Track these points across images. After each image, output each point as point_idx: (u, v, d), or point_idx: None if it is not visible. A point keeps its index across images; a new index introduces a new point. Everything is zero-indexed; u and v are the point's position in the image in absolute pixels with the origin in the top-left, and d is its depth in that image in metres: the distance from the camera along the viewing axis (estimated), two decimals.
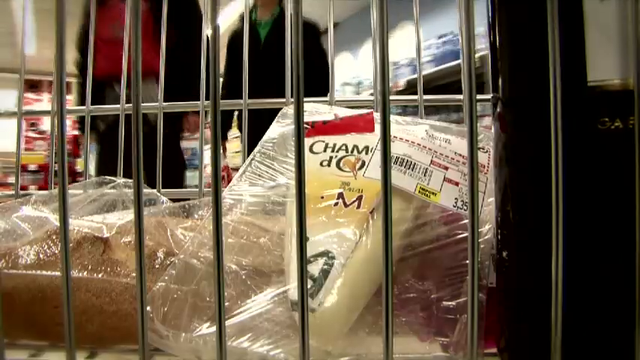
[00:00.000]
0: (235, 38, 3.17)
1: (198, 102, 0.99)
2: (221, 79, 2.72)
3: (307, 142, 0.67)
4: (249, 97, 0.97)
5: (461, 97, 0.89)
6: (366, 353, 0.53)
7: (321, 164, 0.66)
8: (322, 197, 0.61)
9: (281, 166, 0.70)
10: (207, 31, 1.00)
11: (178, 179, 3.05)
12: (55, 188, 0.90)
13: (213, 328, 0.52)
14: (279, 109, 0.83)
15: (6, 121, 1.03)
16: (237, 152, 4.19)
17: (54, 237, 0.66)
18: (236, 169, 0.75)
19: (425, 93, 0.91)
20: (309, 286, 0.53)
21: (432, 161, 0.64)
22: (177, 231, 0.69)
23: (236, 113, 3.11)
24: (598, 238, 0.45)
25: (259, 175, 0.70)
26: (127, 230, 0.68)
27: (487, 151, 0.67)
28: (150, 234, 0.67)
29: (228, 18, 4.70)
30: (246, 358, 0.52)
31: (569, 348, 0.41)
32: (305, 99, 0.41)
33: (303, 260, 0.40)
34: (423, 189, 0.62)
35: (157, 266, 0.63)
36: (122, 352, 0.61)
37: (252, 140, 0.82)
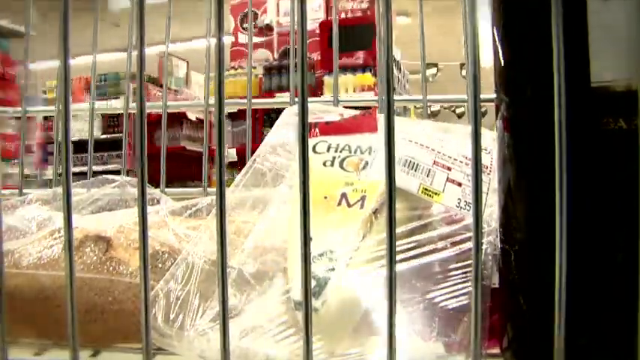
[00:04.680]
0: None
1: (202, 101, 0.99)
2: None
3: (310, 142, 0.67)
4: None
5: (465, 97, 0.89)
6: (370, 353, 0.53)
7: (324, 164, 0.65)
8: (325, 197, 0.61)
9: (284, 167, 0.70)
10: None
11: None
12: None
13: (217, 328, 0.52)
14: None
15: None
16: None
17: (57, 236, 0.66)
18: None
19: None
20: (312, 286, 0.53)
21: (434, 161, 0.64)
22: (181, 230, 0.69)
23: None
24: (601, 237, 0.45)
25: (262, 175, 0.70)
26: (129, 229, 0.68)
27: (490, 152, 0.67)
28: (153, 233, 0.67)
29: None
30: (250, 358, 0.52)
31: (572, 348, 0.41)
32: (309, 99, 0.41)
33: (307, 260, 0.40)
34: (426, 189, 0.62)
35: (160, 266, 0.63)
36: (125, 352, 0.61)
37: None
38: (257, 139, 0.85)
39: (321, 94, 4.76)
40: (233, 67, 5.20)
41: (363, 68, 4.92)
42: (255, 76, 5.12)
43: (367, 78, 4.87)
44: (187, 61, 6.05)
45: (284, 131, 0.75)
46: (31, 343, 0.62)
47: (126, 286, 0.61)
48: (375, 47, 4.82)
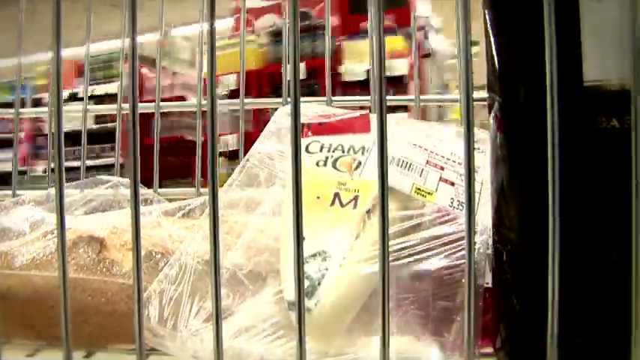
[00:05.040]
0: None
1: (195, 101, 0.99)
2: None
3: (303, 142, 0.67)
4: None
5: (457, 97, 0.89)
6: (363, 353, 0.53)
7: (317, 164, 0.66)
8: (318, 197, 0.61)
9: (277, 167, 0.70)
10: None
11: None
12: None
13: (210, 328, 0.52)
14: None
15: None
16: None
17: (50, 237, 0.66)
18: None
19: None
20: (305, 286, 0.53)
21: (427, 161, 0.64)
22: (174, 231, 0.69)
23: None
24: (595, 237, 0.45)
25: (255, 175, 0.70)
26: (123, 230, 0.68)
27: (483, 152, 0.67)
28: (146, 234, 0.67)
29: None
30: (243, 358, 0.52)
31: (566, 347, 0.41)
32: (301, 99, 0.41)
33: (299, 260, 0.40)
34: (419, 189, 0.62)
35: (153, 266, 0.63)
36: (119, 352, 0.61)
37: None
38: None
39: (341, 64, 4.28)
40: (234, 36, 4.52)
41: (394, 30, 4.15)
42: (260, 46, 4.71)
43: (397, 41, 4.15)
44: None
45: (276, 131, 0.75)
46: (24, 344, 0.62)
47: (119, 286, 0.61)
48: (409, 5, 4.20)
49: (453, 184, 0.62)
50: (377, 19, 0.40)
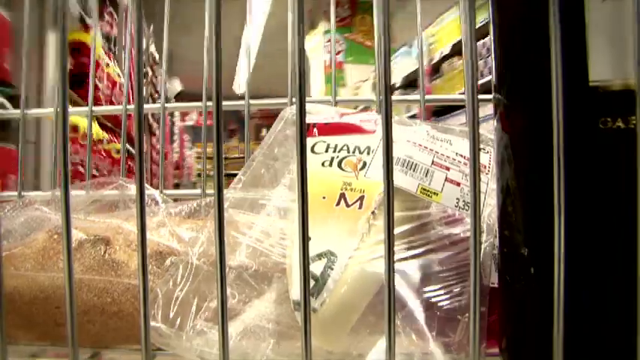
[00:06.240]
0: None
1: (200, 102, 0.99)
2: None
3: (309, 142, 0.67)
4: None
5: (463, 97, 0.89)
6: (368, 353, 0.53)
7: (322, 165, 0.65)
8: (324, 197, 0.61)
9: (283, 167, 0.70)
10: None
11: None
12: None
13: (216, 328, 0.52)
14: None
15: None
16: None
17: (56, 237, 0.66)
18: None
19: None
20: (311, 286, 0.53)
21: (433, 162, 0.64)
22: (179, 231, 0.69)
23: None
24: (600, 238, 0.45)
25: (261, 175, 0.70)
26: (128, 230, 0.68)
27: (488, 152, 0.67)
28: (152, 234, 0.67)
29: None
30: (249, 358, 0.52)
31: (571, 348, 0.41)
32: (307, 99, 0.41)
33: (305, 260, 0.40)
34: (424, 189, 0.62)
35: (158, 266, 0.63)
36: (125, 352, 0.62)
37: None
38: None
39: None
40: None
41: None
42: None
43: None
44: None
45: (282, 132, 0.75)
46: (29, 344, 0.62)
47: (125, 287, 0.61)
48: None
49: (458, 184, 0.62)
50: (382, 18, 0.40)
